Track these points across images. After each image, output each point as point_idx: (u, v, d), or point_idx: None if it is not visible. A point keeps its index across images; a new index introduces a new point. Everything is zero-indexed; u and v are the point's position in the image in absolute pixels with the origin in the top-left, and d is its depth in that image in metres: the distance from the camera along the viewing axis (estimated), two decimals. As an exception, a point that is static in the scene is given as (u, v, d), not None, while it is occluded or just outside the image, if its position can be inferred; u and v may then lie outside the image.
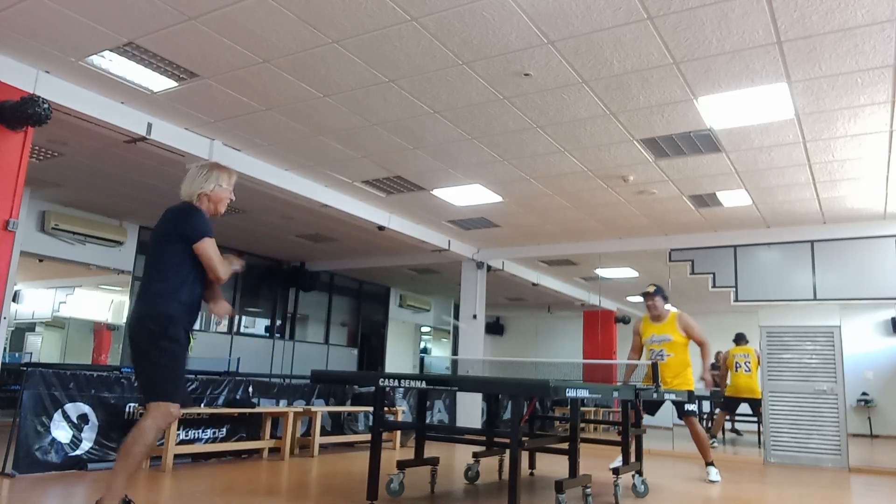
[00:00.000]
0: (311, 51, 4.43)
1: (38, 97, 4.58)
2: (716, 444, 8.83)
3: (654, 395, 5.03)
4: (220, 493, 4.34)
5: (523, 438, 4.10)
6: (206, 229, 3.13)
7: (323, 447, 6.86)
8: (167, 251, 3.12)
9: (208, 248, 3.10)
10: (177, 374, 3.09)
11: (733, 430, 10.11)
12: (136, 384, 3.16)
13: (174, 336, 3.02)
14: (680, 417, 5.59)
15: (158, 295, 3.07)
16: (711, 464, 5.76)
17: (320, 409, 6.69)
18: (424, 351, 16.00)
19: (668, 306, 5.87)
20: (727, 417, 9.30)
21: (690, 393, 5.47)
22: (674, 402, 5.43)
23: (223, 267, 3.16)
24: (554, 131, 5.57)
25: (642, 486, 4.78)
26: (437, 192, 7.45)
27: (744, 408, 9.50)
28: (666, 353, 5.66)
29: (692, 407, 5.46)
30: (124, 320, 2.83)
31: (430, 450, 4.73)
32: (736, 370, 8.85)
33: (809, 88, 4.63)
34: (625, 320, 12.14)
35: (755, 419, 8.96)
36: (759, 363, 8.74)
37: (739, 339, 9.02)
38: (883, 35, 3.92)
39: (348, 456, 6.61)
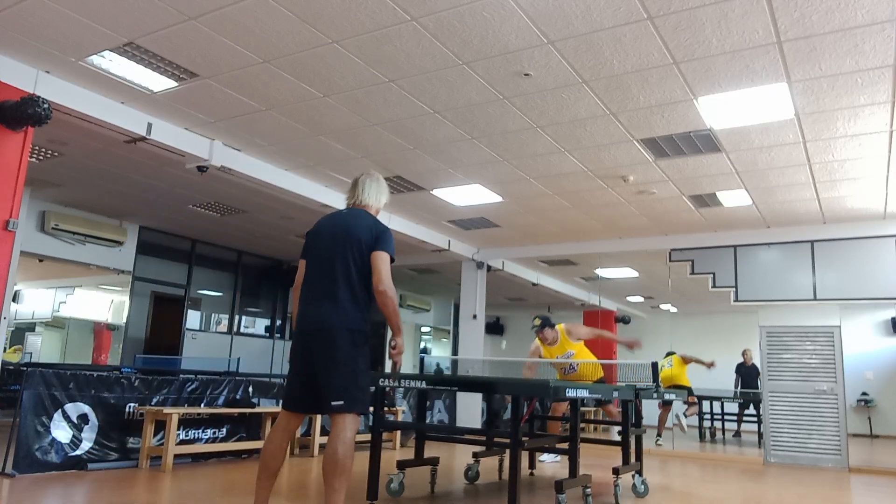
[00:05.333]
0: (311, 51, 4.43)
1: (38, 97, 4.58)
2: (660, 444, 8.97)
3: (654, 396, 5.03)
4: (220, 493, 4.34)
5: (523, 438, 4.10)
6: (394, 250, 3.17)
7: (323, 447, 6.84)
8: (364, 260, 3.11)
9: (388, 263, 3.10)
10: (368, 384, 3.15)
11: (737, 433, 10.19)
12: (306, 387, 3.11)
13: (367, 343, 3.12)
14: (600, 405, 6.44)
15: (360, 304, 3.08)
16: None
17: (320, 409, 6.69)
18: (424, 351, 16.00)
19: (555, 327, 6.34)
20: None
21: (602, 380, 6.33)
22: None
23: (391, 287, 3.07)
24: (554, 131, 5.57)
25: (642, 486, 4.78)
26: (437, 192, 7.45)
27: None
28: (575, 364, 6.25)
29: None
30: (310, 323, 3.17)
31: (430, 450, 4.73)
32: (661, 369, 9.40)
33: (809, 88, 4.63)
34: (625, 320, 12.15)
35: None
36: (681, 360, 9.38)
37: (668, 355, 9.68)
38: (883, 35, 3.92)
39: (348, 456, 6.60)
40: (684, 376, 9.29)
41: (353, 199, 3.37)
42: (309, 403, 3.13)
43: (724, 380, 9.86)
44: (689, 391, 9.24)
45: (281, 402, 3.25)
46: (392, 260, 3.15)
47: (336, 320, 3.03)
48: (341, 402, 2.97)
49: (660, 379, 9.21)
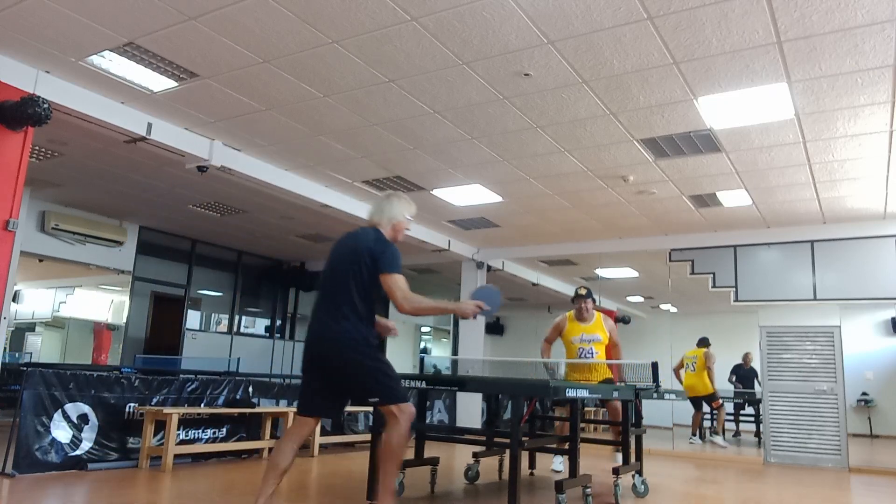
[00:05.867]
0: (311, 51, 4.43)
1: (38, 97, 4.58)
2: (693, 441, 9.01)
3: (654, 395, 5.03)
4: (220, 493, 4.34)
5: (523, 438, 4.10)
6: (400, 265, 3.24)
7: (323, 447, 6.86)
8: (366, 275, 3.21)
9: (399, 282, 3.17)
10: (397, 375, 3.29)
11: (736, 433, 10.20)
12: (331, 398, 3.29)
13: (377, 349, 3.29)
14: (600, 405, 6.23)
15: (363, 318, 3.21)
16: None
17: (320, 409, 6.68)
18: (424, 351, 16.00)
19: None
20: (721, 415, 9.63)
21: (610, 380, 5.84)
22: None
23: (412, 302, 3.17)
24: (554, 131, 5.57)
25: (642, 486, 4.78)
26: (437, 192, 7.45)
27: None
28: (595, 352, 5.88)
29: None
30: (313, 337, 3.36)
31: (430, 450, 4.73)
32: (685, 369, 9.40)
33: (809, 88, 4.63)
34: (625, 320, 12.14)
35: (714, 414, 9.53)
36: (705, 363, 9.25)
37: (701, 342, 9.48)
38: (883, 35, 3.92)
39: (348, 456, 6.61)
40: (706, 382, 9.18)
41: (368, 218, 3.50)
42: (320, 407, 3.31)
43: (723, 380, 9.86)
44: (713, 397, 9.16)
45: (296, 406, 3.37)
46: (402, 274, 3.24)
47: (343, 336, 3.17)
48: (377, 399, 3.18)
49: (683, 386, 9.25)
